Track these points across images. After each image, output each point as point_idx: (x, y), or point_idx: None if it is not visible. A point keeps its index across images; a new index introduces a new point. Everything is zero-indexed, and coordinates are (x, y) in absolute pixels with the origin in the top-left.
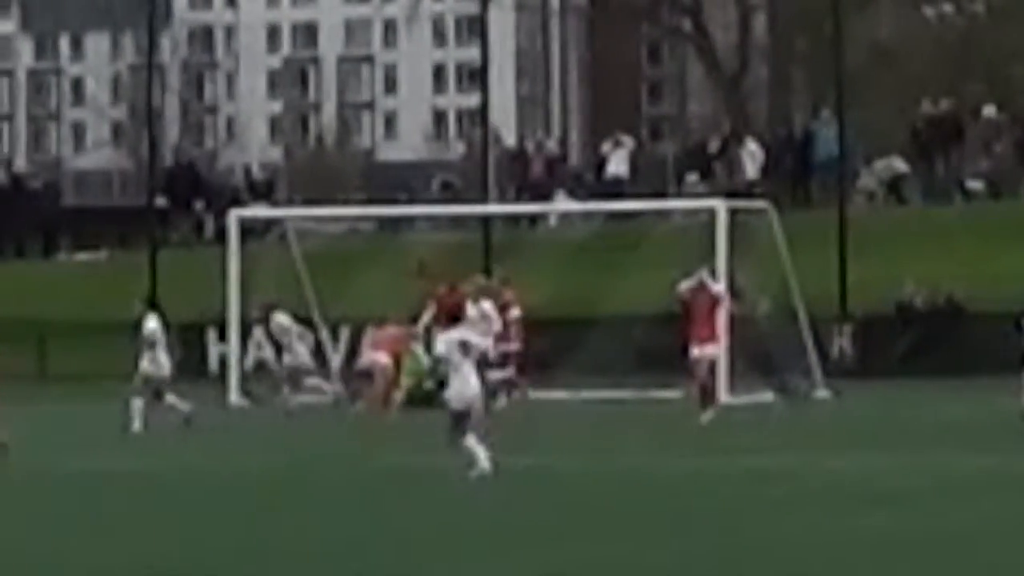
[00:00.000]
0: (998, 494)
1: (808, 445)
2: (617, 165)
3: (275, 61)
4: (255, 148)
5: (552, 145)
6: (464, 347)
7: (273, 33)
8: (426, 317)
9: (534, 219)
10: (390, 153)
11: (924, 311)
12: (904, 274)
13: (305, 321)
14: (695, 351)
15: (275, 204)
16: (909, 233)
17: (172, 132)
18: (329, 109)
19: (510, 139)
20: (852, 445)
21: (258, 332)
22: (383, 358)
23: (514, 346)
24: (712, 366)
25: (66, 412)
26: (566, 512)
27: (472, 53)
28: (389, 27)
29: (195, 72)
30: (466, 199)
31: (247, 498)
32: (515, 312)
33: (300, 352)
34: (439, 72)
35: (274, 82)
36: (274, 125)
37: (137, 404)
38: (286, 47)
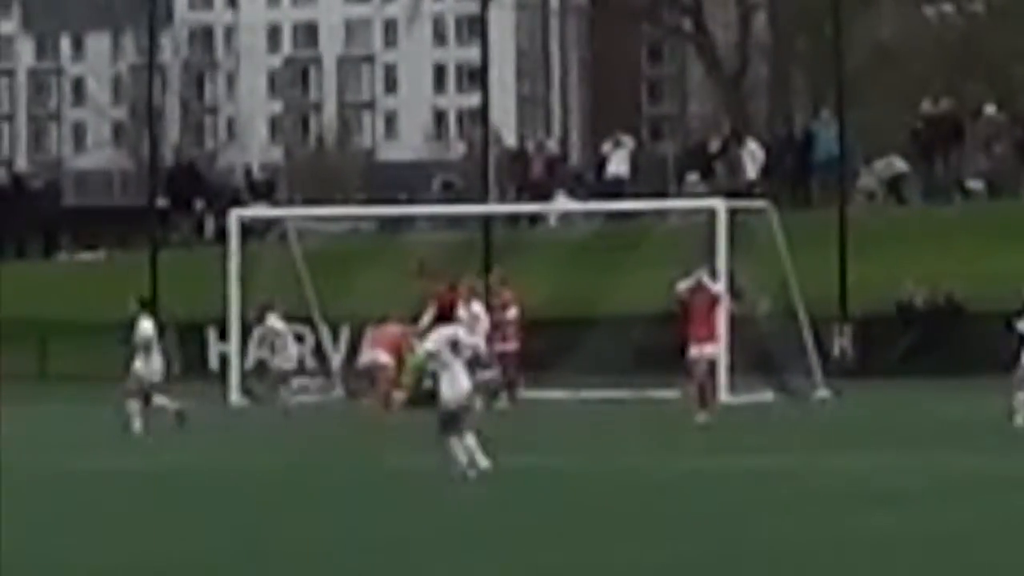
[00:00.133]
0: (998, 494)
1: (808, 445)
2: (617, 165)
3: (276, 61)
4: (256, 148)
5: (552, 145)
6: (454, 345)
7: (274, 33)
8: (427, 317)
9: (534, 219)
10: (390, 153)
11: (924, 311)
12: (904, 274)
13: (305, 321)
14: (693, 351)
15: (276, 204)
16: (909, 233)
17: (173, 132)
18: (329, 109)
19: (510, 139)
20: (852, 445)
21: (257, 332)
22: (383, 357)
23: (512, 346)
24: (711, 366)
25: (66, 412)
26: (565, 512)
27: (472, 53)
28: (389, 27)
29: (196, 72)
30: (466, 199)
31: (247, 498)
32: (513, 312)
33: (292, 355)
34: (439, 72)
35: (275, 82)
36: (275, 125)
37: (133, 405)
38: (287, 47)
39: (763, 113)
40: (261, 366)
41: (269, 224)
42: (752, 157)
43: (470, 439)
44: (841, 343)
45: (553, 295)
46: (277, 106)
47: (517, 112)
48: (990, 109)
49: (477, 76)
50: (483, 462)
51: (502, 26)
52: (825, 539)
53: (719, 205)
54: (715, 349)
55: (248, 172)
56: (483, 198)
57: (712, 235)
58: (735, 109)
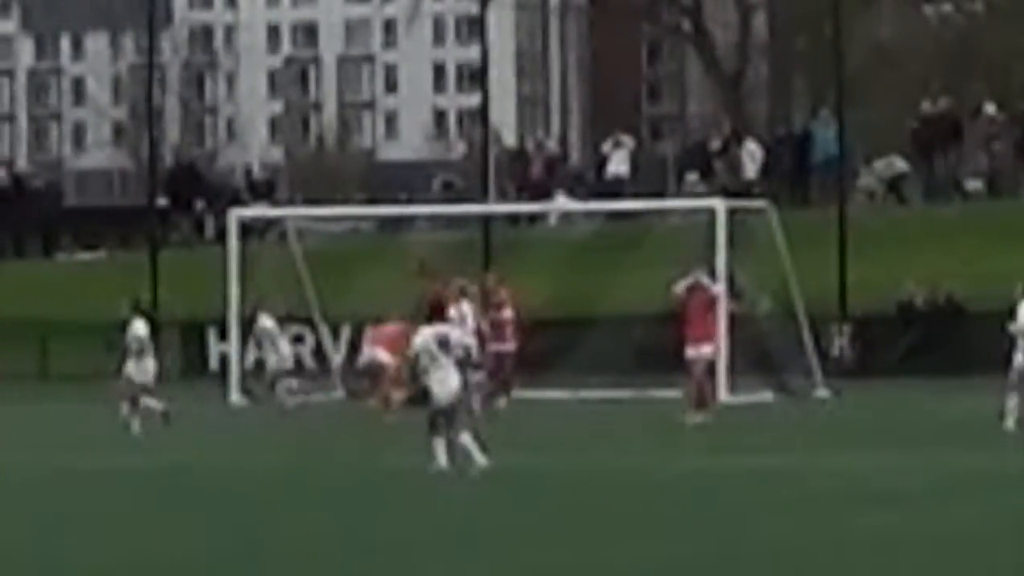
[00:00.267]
0: (998, 493)
1: (808, 445)
2: (617, 165)
3: (275, 61)
4: (256, 148)
5: (552, 145)
6: (443, 343)
7: (273, 33)
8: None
9: (534, 219)
10: (390, 153)
11: (924, 310)
12: (904, 274)
13: (306, 321)
14: (691, 351)
15: (276, 204)
16: (909, 233)
17: (173, 132)
18: (329, 109)
19: (510, 139)
20: (852, 445)
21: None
22: (383, 355)
23: (509, 346)
24: (709, 366)
25: (67, 411)
26: (565, 512)
27: (472, 53)
28: (389, 27)
29: (195, 72)
30: (466, 199)
31: (247, 498)
32: (508, 312)
33: (284, 354)
34: (439, 72)
35: (274, 82)
36: (274, 125)
37: (126, 407)
38: (286, 47)
39: (762, 113)
40: (260, 366)
41: (269, 224)
42: (752, 157)
43: (465, 437)
44: (841, 343)
45: (553, 295)
46: (277, 106)
47: (517, 112)
48: (990, 108)
49: (477, 76)
50: (481, 460)
51: (502, 26)
52: (825, 539)
53: (719, 205)
54: (712, 349)
55: (248, 172)
56: (483, 198)
57: (712, 235)
58: (734, 109)
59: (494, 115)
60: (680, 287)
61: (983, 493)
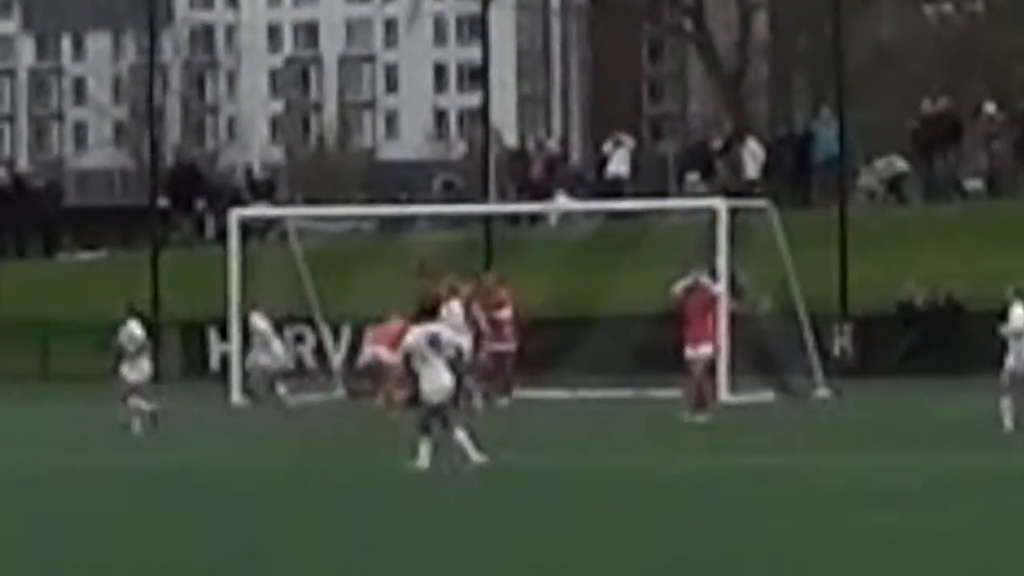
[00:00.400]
0: (998, 493)
1: (808, 444)
2: (618, 164)
3: (276, 61)
4: (256, 148)
5: (553, 144)
6: (434, 343)
7: (274, 33)
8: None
9: (535, 218)
10: (391, 152)
11: (925, 310)
12: (905, 273)
13: (306, 321)
14: (689, 352)
15: (276, 204)
16: (909, 232)
17: (174, 132)
18: (330, 108)
19: (511, 138)
20: (852, 444)
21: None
22: (385, 353)
23: (507, 346)
24: (708, 367)
25: (68, 411)
26: (565, 512)
27: (473, 52)
28: (390, 26)
29: (196, 72)
30: (467, 198)
31: (248, 498)
32: (506, 312)
33: (277, 354)
34: (440, 71)
35: (275, 82)
36: (275, 124)
37: (124, 408)
38: (287, 47)
39: (763, 112)
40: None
41: (270, 224)
42: (753, 156)
43: (459, 434)
44: (841, 342)
45: (553, 294)
46: (278, 106)
47: (518, 112)
48: (990, 108)
49: (478, 76)
50: (476, 457)
51: (503, 26)
52: (825, 538)
53: (719, 204)
54: (710, 349)
55: (249, 172)
56: (483, 198)
57: (712, 235)
58: (735, 108)
59: (495, 115)
60: (678, 287)
61: (983, 493)
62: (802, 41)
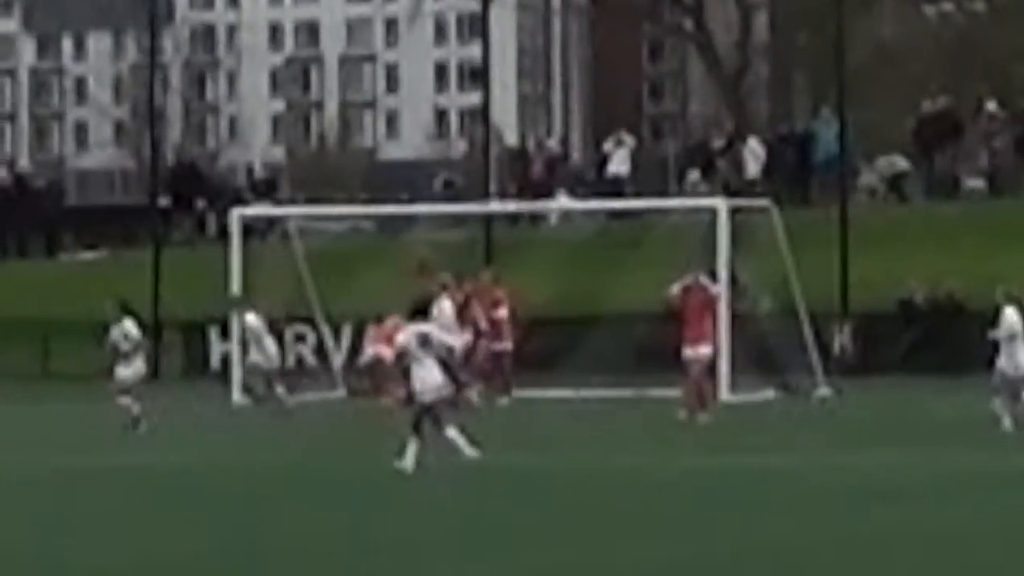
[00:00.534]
0: (999, 492)
1: (809, 443)
2: (618, 164)
3: (277, 60)
4: (257, 147)
5: (553, 144)
6: (424, 340)
7: (275, 32)
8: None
9: (535, 218)
10: (392, 152)
11: (925, 309)
12: (905, 272)
13: (307, 320)
14: (688, 352)
15: (277, 203)
16: (910, 231)
17: (174, 131)
18: (331, 108)
19: (511, 138)
20: (853, 443)
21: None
22: (386, 352)
23: (506, 345)
24: (707, 367)
25: (68, 411)
26: (565, 512)
27: (474, 52)
28: (391, 26)
29: (197, 71)
30: (468, 198)
31: (249, 497)
32: (503, 311)
33: (271, 353)
34: (441, 71)
35: (276, 81)
36: (276, 124)
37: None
38: (288, 46)
39: (764, 112)
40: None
41: (271, 223)
42: (754, 156)
43: (451, 431)
44: (842, 341)
45: (554, 294)
46: (279, 105)
47: (518, 111)
48: (990, 106)
49: (478, 75)
50: (470, 453)
51: (503, 25)
52: (826, 537)
53: (720, 204)
54: (709, 350)
55: (250, 171)
56: (484, 197)
57: (713, 234)
58: (736, 108)
59: (495, 114)
60: (674, 290)
61: (983, 491)
62: (802, 40)
